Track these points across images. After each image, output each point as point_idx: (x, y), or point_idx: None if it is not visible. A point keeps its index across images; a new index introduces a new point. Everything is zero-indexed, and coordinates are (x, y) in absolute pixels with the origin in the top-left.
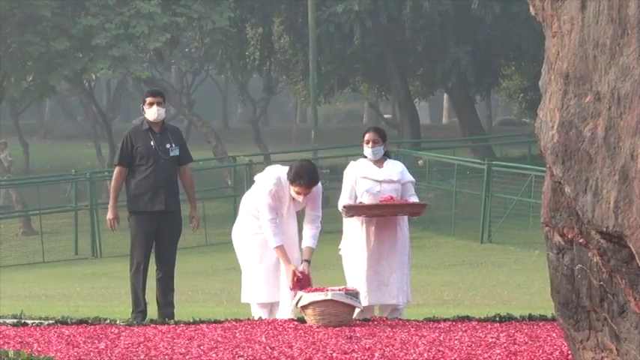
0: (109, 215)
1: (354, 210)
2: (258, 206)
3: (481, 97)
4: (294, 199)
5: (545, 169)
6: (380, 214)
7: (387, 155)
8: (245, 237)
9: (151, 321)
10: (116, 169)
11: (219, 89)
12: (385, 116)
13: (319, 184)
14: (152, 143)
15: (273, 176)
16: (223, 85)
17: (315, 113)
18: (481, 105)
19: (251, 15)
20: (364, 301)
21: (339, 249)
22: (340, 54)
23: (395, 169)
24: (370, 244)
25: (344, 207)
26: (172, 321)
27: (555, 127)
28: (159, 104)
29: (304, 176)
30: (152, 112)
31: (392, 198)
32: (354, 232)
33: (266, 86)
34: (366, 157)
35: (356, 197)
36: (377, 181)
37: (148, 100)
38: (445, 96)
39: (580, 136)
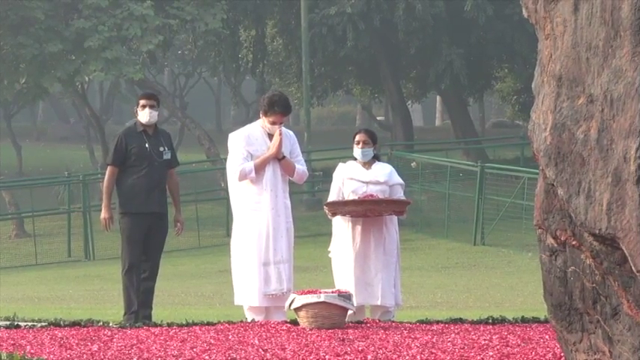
0: (105, 215)
1: (334, 207)
2: (229, 161)
3: (474, 100)
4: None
5: (538, 171)
6: (364, 214)
7: (376, 158)
8: (239, 237)
9: (144, 323)
10: (109, 169)
11: (212, 91)
12: (378, 118)
13: (292, 133)
14: (147, 145)
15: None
16: (216, 87)
17: (308, 115)
18: (474, 107)
19: (244, 17)
20: (353, 300)
21: (329, 251)
22: (333, 56)
23: (383, 170)
24: (356, 245)
25: (325, 205)
26: (165, 323)
27: (548, 129)
28: (152, 107)
29: (278, 102)
30: (144, 115)
31: (372, 196)
32: (342, 233)
33: (259, 88)
34: (356, 159)
35: (343, 199)
36: (363, 182)
37: (142, 102)
38: (438, 98)
39: (573, 139)
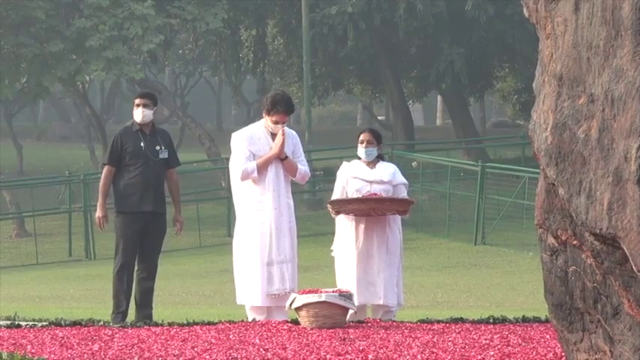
0: (99, 214)
1: (338, 205)
2: (231, 161)
3: (475, 99)
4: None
5: (538, 170)
6: (367, 213)
7: (380, 157)
8: (242, 237)
9: (145, 323)
10: (105, 169)
11: (213, 91)
12: (379, 118)
13: (295, 133)
14: (142, 144)
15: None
16: (217, 86)
17: (308, 115)
18: (475, 107)
19: (245, 17)
20: (354, 300)
21: (331, 250)
22: (334, 56)
23: (387, 170)
24: (359, 244)
25: (328, 203)
26: (166, 322)
27: (549, 128)
28: (145, 106)
29: (281, 102)
30: (137, 114)
31: (376, 195)
32: (345, 232)
33: (260, 88)
34: (359, 158)
35: (347, 197)
36: (367, 181)
37: (136, 101)
38: (439, 98)
39: (574, 138)
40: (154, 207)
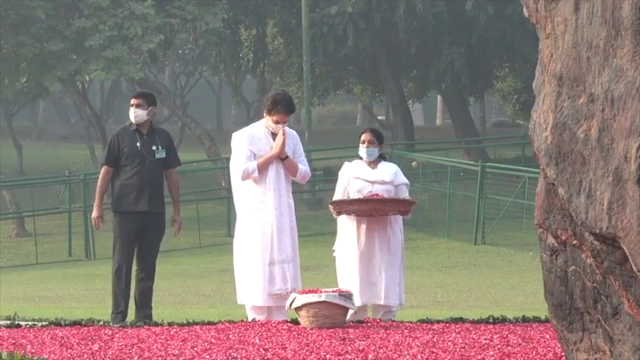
0: (95, 214)
1: (339, 206)
2: (232, 161)
3: (475, 99)
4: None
5: (538, 170)
6: (369, 213)
7: (382, 157)
8: (243, 237)
9: (144, 322)
10: (103, 169)
11: (212, 91)
12: (379, 118)
13: (295, 133)
14: (138, 144)
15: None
16: (217, 86)
17: (308, 115)
18: (475, 107)
19: (245, 16)
20: (356, 300)
21: (333, 250)
22: (334, 56)
23: (388, 170)
24: (361, 244)
25: (329, 203)
26: (166, 322)
27: (549, 128)
28: (138, 106)
29: (282, 101)
30: (131, 114)
31: (377, 195)
32: (347, 232)
33: (260, 88)
34: (361, 158)
35: (348, 197)
36: (369, 181)
37: (131, 101)
38: (439, 97)
39: (574, 138)
40: (149, 207)
